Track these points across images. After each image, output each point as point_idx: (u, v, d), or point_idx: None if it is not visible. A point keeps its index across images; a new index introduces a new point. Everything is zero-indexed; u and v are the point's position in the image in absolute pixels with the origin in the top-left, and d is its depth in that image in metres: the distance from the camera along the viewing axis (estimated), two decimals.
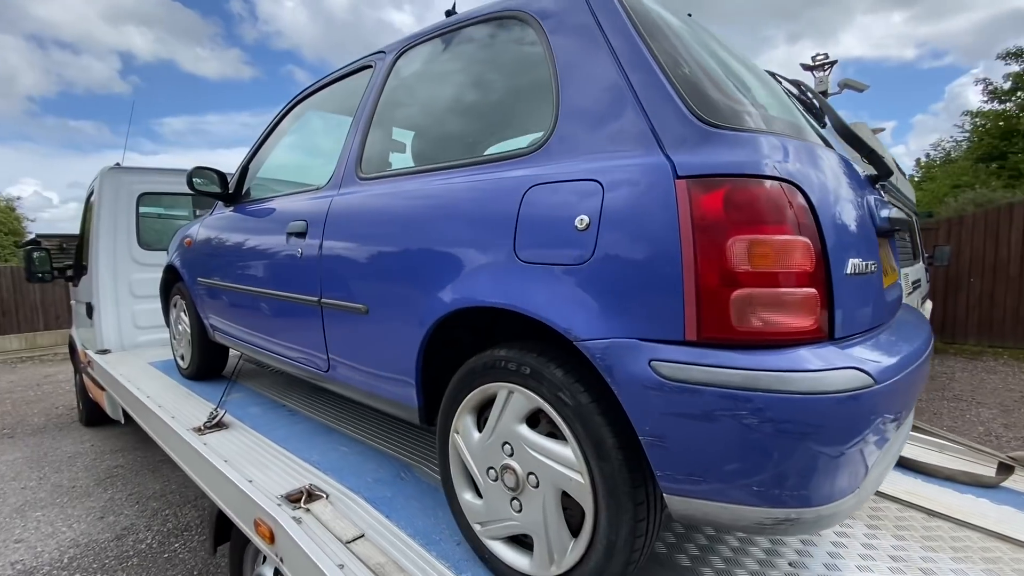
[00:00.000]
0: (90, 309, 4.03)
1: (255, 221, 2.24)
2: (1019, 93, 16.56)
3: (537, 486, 1.14)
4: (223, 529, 1.94)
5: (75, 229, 4.91)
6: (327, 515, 1.46)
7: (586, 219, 1.04)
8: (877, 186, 1.41)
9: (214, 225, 2.59)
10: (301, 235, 1.82)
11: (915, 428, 2.10)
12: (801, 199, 0.94)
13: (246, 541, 1.78)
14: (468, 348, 1.42)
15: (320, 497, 1.55)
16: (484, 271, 1.22)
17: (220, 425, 2.18)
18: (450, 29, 1.59)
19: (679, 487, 0.95)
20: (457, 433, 1.32)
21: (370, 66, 1.87)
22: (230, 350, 2.95)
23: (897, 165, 5.92)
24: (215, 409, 2.27)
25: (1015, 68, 16.46)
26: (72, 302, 5.02)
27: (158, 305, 3.36)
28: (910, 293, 4.06)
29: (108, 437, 4.59)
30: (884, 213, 1.26)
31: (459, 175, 1.38)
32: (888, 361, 0.97)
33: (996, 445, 4.13)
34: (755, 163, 0.94)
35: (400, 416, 1.58)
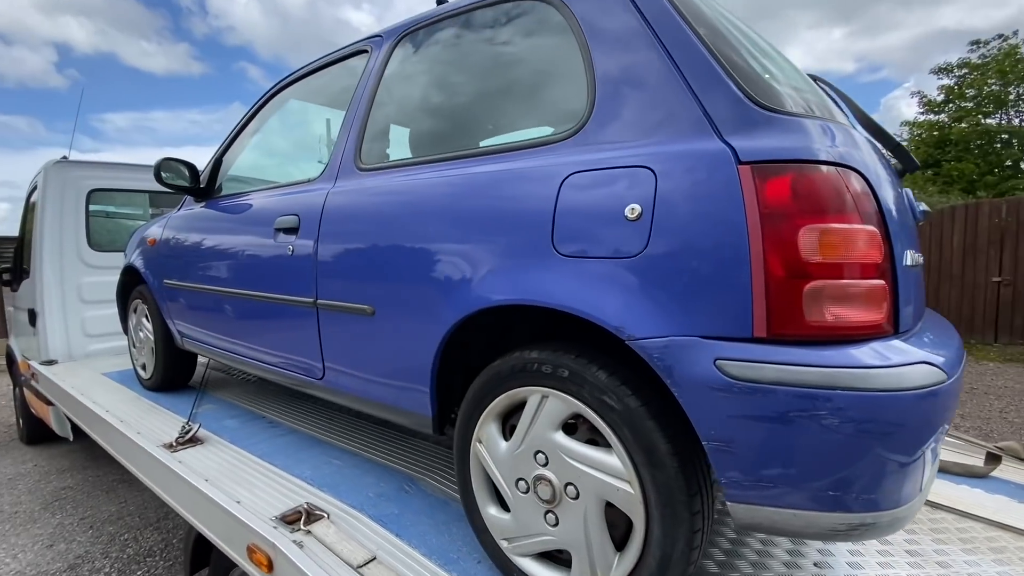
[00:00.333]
0: (33, 316, 3.71)
1: (234, 217, 2.07)
2: (951, 105, 17.79)
3: (577, 497, 1.06)
4: (201, 554, 1.77)
5: (9, 231, 4.52)
6: (331, 537, 1.34)
7: (637, 208, 0.97)
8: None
9: (184, 223, 2.39)
10: (292, 231, 1.68)
11: None
12: (865, 185, 0.91)
13: (230, 566, 1.62)
14: (476, 352, 1.33)
15: (321, 517, 1.42)
16: (515, 266, 1.13)
17: (194, 440, 2.00)
18: (461, 11, 1.49)
19: (746, 494, 0.89)
20: (480, 442, 1.23)
21: (365, 51, 1.75)
22: (199, 358, 2.74)
23: None
24: (187, 423, 2.08)
25: (947, 81, 17.71)
26: (9, 308, 4.62)
27: (111, 311, 3.13)
28: None
29: (53, 456, 4.22)
30: (920, 207, 1.25)
31: (477, 164, 1.29)
32: (948, 355, 0.94)
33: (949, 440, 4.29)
34: (817, 149, 0.90)
35: (407, 425, 1.47)
